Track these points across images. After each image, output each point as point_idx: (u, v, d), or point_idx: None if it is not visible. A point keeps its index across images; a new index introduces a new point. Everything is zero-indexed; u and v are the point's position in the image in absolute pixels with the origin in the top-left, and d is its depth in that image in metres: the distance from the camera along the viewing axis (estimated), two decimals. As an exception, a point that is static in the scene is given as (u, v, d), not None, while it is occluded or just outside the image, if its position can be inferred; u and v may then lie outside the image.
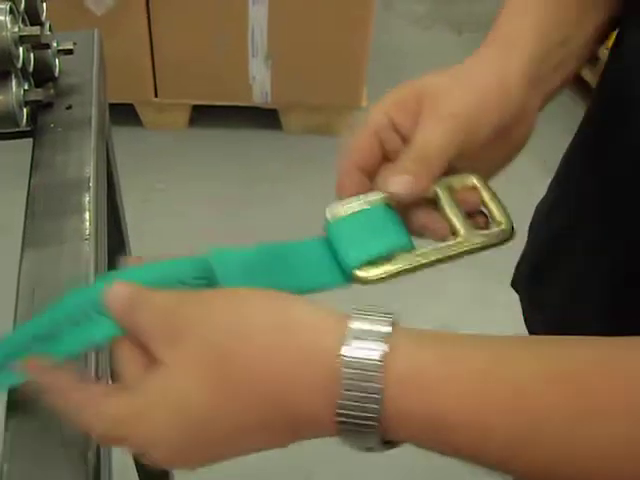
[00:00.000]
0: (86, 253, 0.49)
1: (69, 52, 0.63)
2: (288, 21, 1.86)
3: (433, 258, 0.40)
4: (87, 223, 0.51)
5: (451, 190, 0.43)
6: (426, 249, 0.40)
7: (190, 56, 1.90)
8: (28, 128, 0.61)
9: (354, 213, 0.41)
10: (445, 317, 1.65)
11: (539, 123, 0.50)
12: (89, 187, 0.54)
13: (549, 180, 0.63)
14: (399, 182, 0.41)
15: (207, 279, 0.38)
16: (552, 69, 0.49)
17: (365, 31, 1.89)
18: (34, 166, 0.56)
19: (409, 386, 0.32)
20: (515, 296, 0.68)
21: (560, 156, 0.62)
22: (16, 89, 0.55)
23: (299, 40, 1.90)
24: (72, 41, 0.64)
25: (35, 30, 0.54)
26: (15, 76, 0.55)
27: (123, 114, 1.98)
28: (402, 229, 0.41)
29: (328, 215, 0.42)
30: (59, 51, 0.63)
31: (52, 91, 0.61)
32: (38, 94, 0.57)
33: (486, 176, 0.46)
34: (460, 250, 0.41)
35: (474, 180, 0.44)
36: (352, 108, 2.06)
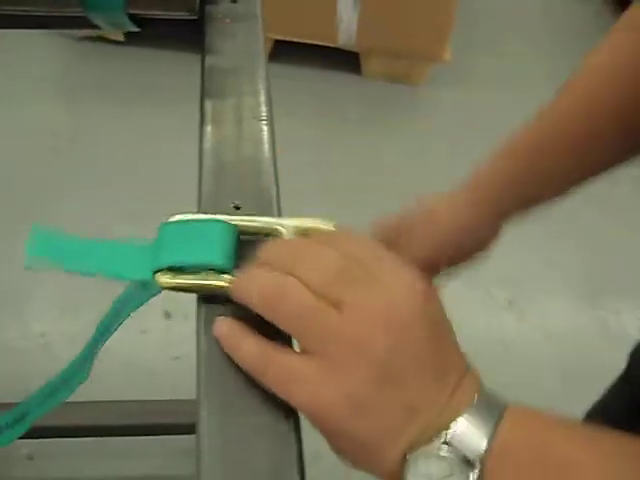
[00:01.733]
0: (264, 133, 0.51)
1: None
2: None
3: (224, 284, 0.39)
4: (263, 105, 0.53)
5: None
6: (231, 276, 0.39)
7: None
8: (195, 17, 0.63)
9: (191, 220, 0.41)
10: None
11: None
12: (261, 75, 0.56)
13: None
14: None
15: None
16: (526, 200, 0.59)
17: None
18: (207, 51, 0.58)
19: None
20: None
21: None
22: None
23: (391, -15, 1.90)
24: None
25: None
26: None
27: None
28: (228, 250, 0.40)
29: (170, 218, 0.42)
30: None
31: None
32: (216, -19, 0.59)
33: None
34: None
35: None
36: (433, 60, 2.05)
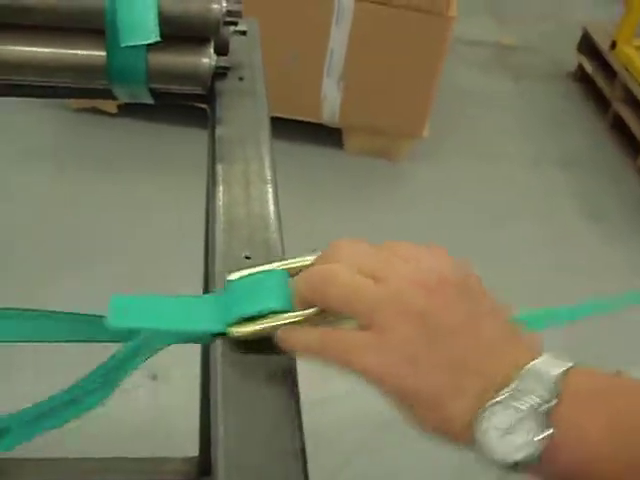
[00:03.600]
0: (269, 194, 0.58)
1: (243, 33, 0.73)
2: (366, 47, 1.97)
3: (290, 321, 0.44)
4: (268, 169, 0.60)
5: None
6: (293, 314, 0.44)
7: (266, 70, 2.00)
8: (204, 92, 0.70)
9: (251, 274, 0.46)
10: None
11: None
12: (266, 142, 0.63)
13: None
14: None
15: None
16: None
17: (437, 67, 2.00)
18: (217, 121, 0.65)
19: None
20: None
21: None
22: (212, 55, 0.65)
23: (373, 66, 2.01)
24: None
25: (238, 7, 0.64)
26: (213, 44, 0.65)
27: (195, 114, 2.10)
28: (286, 293, 0.44)
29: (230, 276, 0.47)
30: (235, 31, 0.73)
31: (229, 62, 0.70)
32: (225, 62, 0.67)
33: None
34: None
35: None
36: (412, 136, 2.16)
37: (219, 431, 0.40)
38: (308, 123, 2.15)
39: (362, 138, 2.17)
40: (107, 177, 2.01)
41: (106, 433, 1.42)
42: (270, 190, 0.58)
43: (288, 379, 0.44)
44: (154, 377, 1.53)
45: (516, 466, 0.35)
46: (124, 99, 0.69)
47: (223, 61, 0.67)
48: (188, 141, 1.93)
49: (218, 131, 0.64)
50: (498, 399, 0.36)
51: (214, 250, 0.52)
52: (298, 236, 1.87)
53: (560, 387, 0.35)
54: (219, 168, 0.60)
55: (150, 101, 0.69)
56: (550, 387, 0.35)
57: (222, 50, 0.72)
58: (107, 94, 0.69)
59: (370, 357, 0.38)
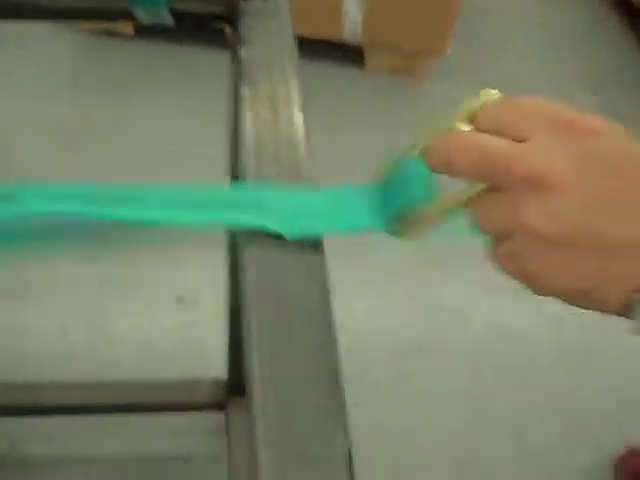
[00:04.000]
0: (298, 119, 0.56)
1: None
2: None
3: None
4: (297, 90, 0.58)
5: None
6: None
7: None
8: (227, 13, 0.68)
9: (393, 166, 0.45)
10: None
11: None
12: (293, 65, 0.61)
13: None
14: None
15: None
16: None
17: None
18: (242, 43, 0.63)
19: None
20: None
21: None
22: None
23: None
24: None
25: None
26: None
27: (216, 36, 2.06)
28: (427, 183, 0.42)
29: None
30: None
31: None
32: (249, -20, 0.64)
33: None
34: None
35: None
36: (435, 54, 2.11)
37: (253, 356, 0.41)
38: (328, 42, 2.10)
39: (384, 56, 2.12)
40: (124, 100, 1.99)
41: (133, 356, 1.45)
42: (298, 113, 0.57)
43: (323, 300, 0.43)
44: (180, 299, 1.55)
45: None
46: (144, 20, 0.67)
47: (246, -20, 0.64)
48: (209, 62, 1.90)
49: (243, 53, 0.62)
50: None
51: (244, 176, 0.52)
52: (321, 155, 1.87)
53: None
54: (245, 90, 0.58)
55: (171, 22, 0.67)
56: None
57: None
58: (127, 15, 0.67)
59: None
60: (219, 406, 1.29)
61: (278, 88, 0.59)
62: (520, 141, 0.36)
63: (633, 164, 0.34)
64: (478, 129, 0.39)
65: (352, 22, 2.01)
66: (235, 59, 0.63)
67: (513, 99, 0.39)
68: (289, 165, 0.52)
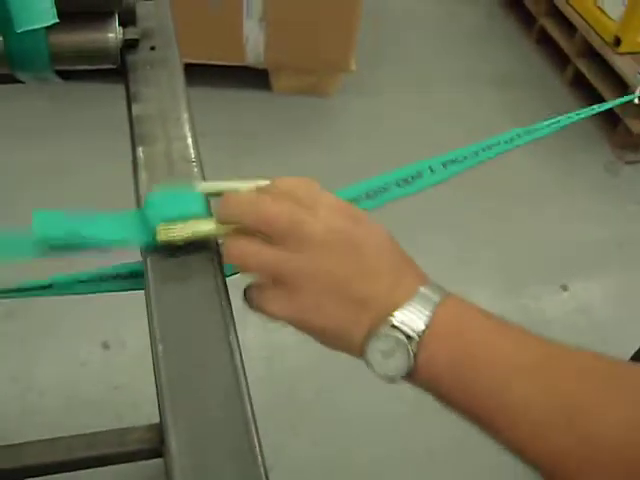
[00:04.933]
0: (195, 174, 0.55)
1: (150, -2, 0.69)
2: (284, -16, 1.91)
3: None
4: (191, 148, 0.57)
5: None
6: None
7: (185, 16, 1.93)
8: (114, 66, 0.66)
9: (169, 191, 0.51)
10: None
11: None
12: (186, 118, 0.60)
13: None
14: None
15: None
16: None
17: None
18: (132, 99, 0.62)
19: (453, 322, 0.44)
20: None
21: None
22: (118, 28, 0.61)
23: (293, 3, 1.95)
24: (149, -12, 0.70)
25: (138, -25, 0.60)
26: (117, 17, 0.61)
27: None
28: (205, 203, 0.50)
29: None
30: (141, -3, 0.68)
31: (138, 32, 0.66)
32: (135, 33, 0.63)
33: None
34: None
35: None
36: (340, 71, 2.12)
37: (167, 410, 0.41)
38: (233, 67, 2.09)
39: (289, 77, 2.13)
40: (27, 143, 1.93)
41: (65, 410, 1.41)
42: (195, 170, 0.56)
43: (225, 334, 0.46)
44: (105, 345, 1.51)
45: (394, 379, 0.44)
46: (31, 82, 0.65)
47: (131, 32, 0.63)
48: (105, 98, 1.86)
49: (135, 110, 0.61)
50: (381, 329, 0.43)
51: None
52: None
53: (430, 320, 0.43)
54: (139, 151, 0.57)
55: (58, 81, 0.65)
56: (424, 319, 0.43)
57: (129, 20, 0.68)
58: (12, 78, 0.64)
59: (278, 306, 0.46)
60: (156, 452, 1.25)
61: (173, 144, 0.58)
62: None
63: (374, 242, 0.46)
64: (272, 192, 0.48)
65: (254, 47, 2.01)
66: (129, 116, 0.62)
67: (292, 181, 0.48)
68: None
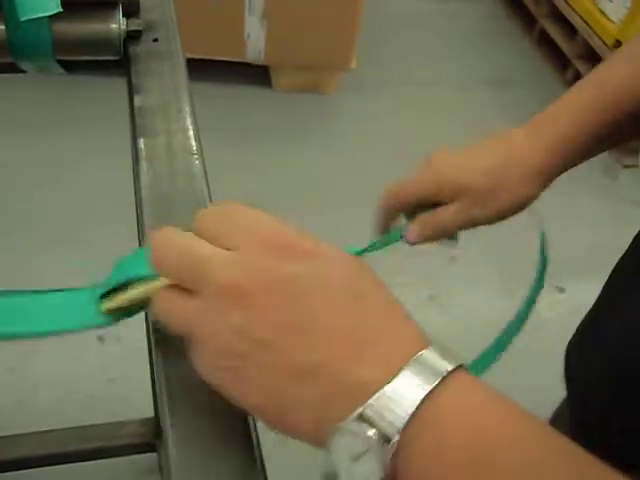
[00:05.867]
0: (196, 167, 0.55)
1: (153, -10, 0.68)
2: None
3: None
4: (193, 140, 0.57)
5: None
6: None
7: (187, 11, 1.93)
8: (117, 57, 0.66)
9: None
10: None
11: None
12: (188, 110, 0.60)
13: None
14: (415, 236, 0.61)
15: None
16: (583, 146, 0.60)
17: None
18: (134, 90, 0.61)
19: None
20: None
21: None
22: (121, 19, 0.61)
23: (294, 1, 1.95)
24: (152, -20, 0.70)
25: (142, -34, 0.60)
26: (121, 7, 0.61)
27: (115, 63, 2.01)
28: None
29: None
30: (144, -12, 0.68)
31: (141, 24, 0.66)
32: (138, 25, 0.63)
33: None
34: None
35: None
36: (340, 69, 2.12)
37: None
38: (234, 63, 2.09)
39: (290, 74, 2.13)
40: (29, 137, 1.93)
41: (59, 403, 1.41)
42: (197, 162, 0.56)
43: None
44: (100, 339, 1.51)
45: None
46: (32, 72, 0.65)
47: (134, 24, 0.63)
48: (106, 91, 1.86)
49: (137, 101, 0.60)
50: (343, 424, 0.31)
51: (141, 230, 0.50)
52: (231, 182, 1.86)
53: (410, 419, 0.30)
54: (141, 143, 0.57)
55: (61, 72, 0.65)
56: (401, 417, 0.30)
57: (132, 11, 0.67)
58: (14, 68, 0.64)
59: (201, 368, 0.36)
60: (149, 446, 1.25)
61: (175, 137, 0.58)
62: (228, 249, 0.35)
63: (324, 296, 0.33)
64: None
65: (255, 44, 2.01)
66: (130, 108, 0.62)
67: (230, 210, 0.37)
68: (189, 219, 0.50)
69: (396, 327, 0.34)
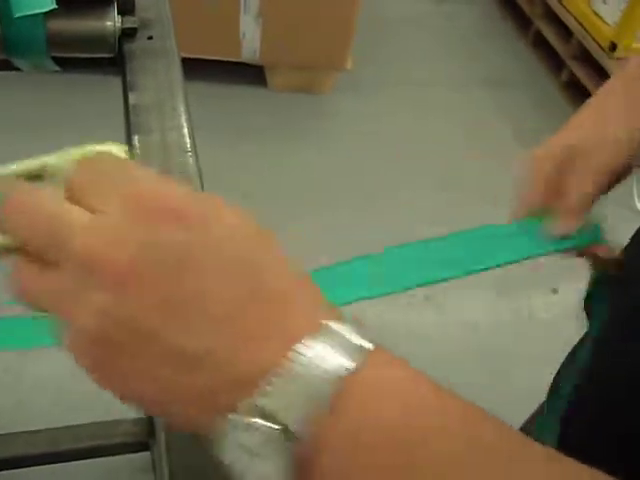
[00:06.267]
0: (190, 165, 0.55)
1: (148, -12, 0.69)
2: (281, -20, 1.91)
3: None
4: (187, 138, 0.57)
5: None
6: None
7: (182, 10, 1.93)
8: (112, 55, 0.66)
9: None
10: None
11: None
12: (182, 109, 0.60)
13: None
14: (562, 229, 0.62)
15: None
16: None
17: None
18: (129, 88, 0.61)
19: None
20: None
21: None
22: (116, 17, 0.61)
23: (290, 0, 1.96)
24: (148, -22, 0.70)
25: (137, -36, 0.60)
26: (116, 5, 0.61)
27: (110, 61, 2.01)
28: None
29: None
30: (139, -14, 0.68)
31: (136, 21, 0.66)
32: (133, 22, 0.63)
33: None
34: None
35: None
36: (335, 69, 2.13)
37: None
38: (229, 62, 2.09)
39: (285, 74, 2.13)
40: (28, 135, 1.92)
41: (57, 402, 1.40)
42: (191, 161, 0.56)
43: None
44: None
45: None
46: (27, 69, 0.65)
47: (129, 21, 0.63)
48: (103, 89, 1.86)
49: (131, 99, 0.60)
50: (235, 415, 0.26)
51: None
52: (227, 182, 1.86)
53: (321, 410, 0.26)
54: (135, 140, 0.57)
55: (55, 69, 0.65)
56: (306, 405, 0.26)
57: (127, 9, 0.67)
58: (8, 65, 0.64)
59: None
60: (143, 445, 1.25)
61: (169, 135, 0.58)
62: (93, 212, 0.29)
63: (211, 262, 0.28)
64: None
65: (250, 44, 2.01)
66: (125, 105, 0.62)
67: (109, 166, 0.31)
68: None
69: (298, 303, 0.28)
